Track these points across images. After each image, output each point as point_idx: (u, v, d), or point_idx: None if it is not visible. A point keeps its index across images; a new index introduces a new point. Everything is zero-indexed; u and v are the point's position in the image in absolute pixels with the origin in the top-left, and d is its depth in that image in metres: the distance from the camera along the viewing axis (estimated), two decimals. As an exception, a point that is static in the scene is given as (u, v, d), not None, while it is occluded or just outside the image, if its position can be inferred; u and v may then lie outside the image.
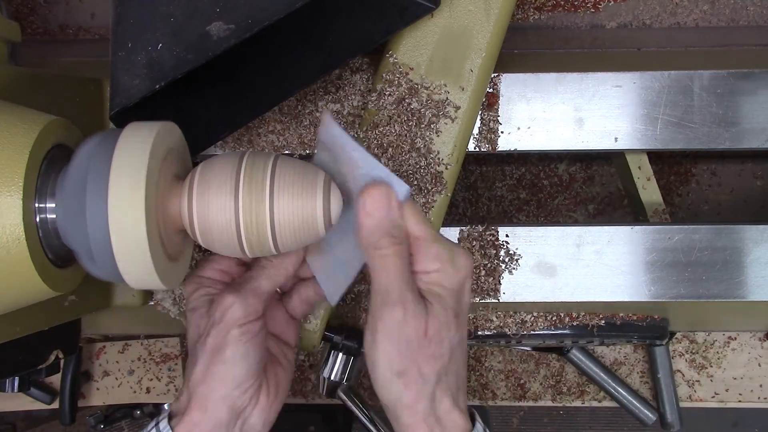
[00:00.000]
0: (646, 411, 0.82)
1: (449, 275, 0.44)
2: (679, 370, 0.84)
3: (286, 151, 0.63)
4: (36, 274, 0.42)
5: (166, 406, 0.92)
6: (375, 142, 0.59)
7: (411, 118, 0.58)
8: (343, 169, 0.47)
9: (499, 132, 0.64)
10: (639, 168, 0.71)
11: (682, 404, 0.83)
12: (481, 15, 0.57)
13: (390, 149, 0.59)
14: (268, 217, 0.43)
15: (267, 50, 0.57)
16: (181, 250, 0.48)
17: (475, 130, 0.64)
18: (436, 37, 0.58)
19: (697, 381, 0.84)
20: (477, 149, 0.64)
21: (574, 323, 0.69)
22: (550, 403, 0.86)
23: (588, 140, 0.65)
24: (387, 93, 0.58)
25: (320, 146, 0.49)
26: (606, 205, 0.85)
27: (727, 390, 0.84)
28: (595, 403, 0.86)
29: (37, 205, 0.43)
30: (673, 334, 0.77)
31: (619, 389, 0.82)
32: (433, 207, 0.59)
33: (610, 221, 0.83)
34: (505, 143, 0.64)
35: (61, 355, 0.64)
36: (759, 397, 0.83)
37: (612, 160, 0.83)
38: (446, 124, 0.58)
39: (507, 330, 0.69)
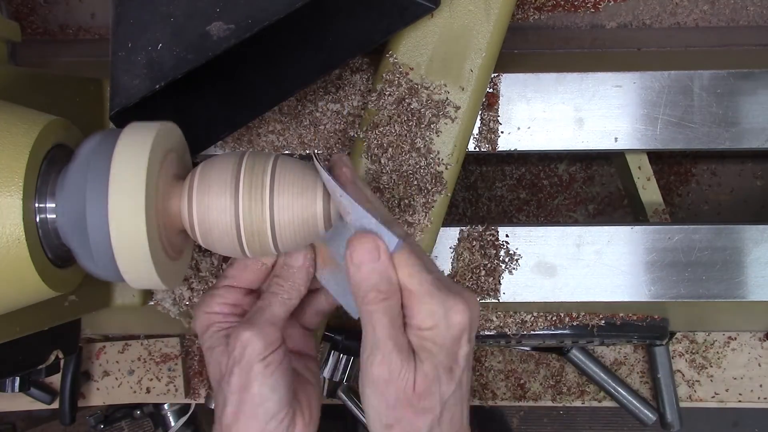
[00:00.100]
0: (646, 411, 0.82)
1: (441, 333, 0.42)
2: (679, 370, 0.84)
3: (286, 151, 0.63)
4: (36, 274, 0.42)
5: (166, 407, 0.92)
6: (375, 142, 0.59)
7: (411, 118, 0.58)
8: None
9: (499, 132, 0.64)
10: (639, 168, 0.71)
11: (682, 404, 0.83)
12: (481, 15, 0.57)
13: (390, 149, 0.58)
14: (269, 217, 0.43)
15: (267, 50, 0.57)
16: (181, 249, 0.48)
17: (475, 130, 0.64)
18: (436, 37, 0.58)
19: (697, 381, 0.84)
20: (477, 149, 0.64)
21: (574, 323, 0.69)
22: (550, 403, 0.86)
23: (588, 140, 0.65)
24: (387, 93, 0.58)
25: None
26: (606, 205, 0.85)
27: (727, 390, 0.83)
28: (595, 403, 0.86)
29: (37, 205, 0.43)
30: (673, 334, 0.77)
31: (619, 389, 0.82)
32: (433, 207, 0.59)
33: (610, 221, 0.83)
34: (505, 143, 0.64)
35: (61, 355, 0.64)
36: (759, 397, 0.83)
37: (612, 160, 0.83)
38: (446, 124, 0.58)
39: (507, 330, 0.69)
